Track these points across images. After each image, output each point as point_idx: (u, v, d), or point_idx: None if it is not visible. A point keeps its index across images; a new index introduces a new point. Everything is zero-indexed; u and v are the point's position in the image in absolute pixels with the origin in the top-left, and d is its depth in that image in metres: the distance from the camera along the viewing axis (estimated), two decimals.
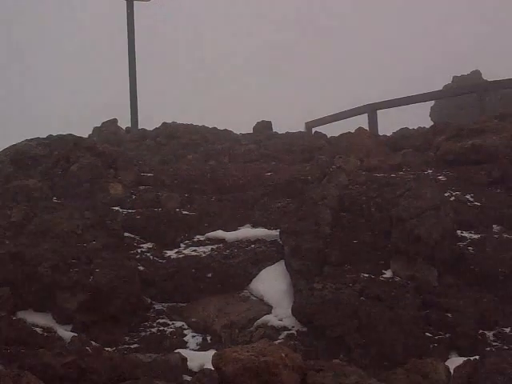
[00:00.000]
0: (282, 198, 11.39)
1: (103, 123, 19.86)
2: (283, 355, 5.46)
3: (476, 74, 27.95)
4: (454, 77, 28.22)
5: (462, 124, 15.51)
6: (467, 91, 23.08)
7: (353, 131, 16.82)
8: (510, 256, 9.07)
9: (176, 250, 9.90)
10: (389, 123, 22.41)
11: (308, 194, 10.54)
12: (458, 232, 9.66)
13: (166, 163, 14.64)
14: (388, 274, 8.91)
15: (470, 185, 11.69)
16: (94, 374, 5.61)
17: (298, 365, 5.48)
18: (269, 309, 8.60)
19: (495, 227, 10.13)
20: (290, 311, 8.33)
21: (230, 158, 15.39)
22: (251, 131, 19.65)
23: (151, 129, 19.07)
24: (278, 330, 8.15)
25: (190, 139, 17.28)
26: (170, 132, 17.99)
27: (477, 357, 6.43)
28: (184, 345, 8.15)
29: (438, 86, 26.49)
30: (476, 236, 9.63)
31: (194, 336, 8.37)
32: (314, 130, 21.55)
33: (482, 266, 8.98)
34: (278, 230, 9.99)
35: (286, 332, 8.12)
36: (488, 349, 7.74)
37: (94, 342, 7.44)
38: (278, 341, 7.78)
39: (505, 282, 8.85)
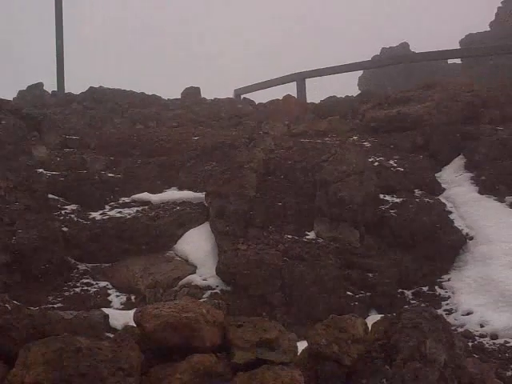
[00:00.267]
0: (209, 162, 11.40)
1: (28, 87, 19.48)
2: (204, 311, 5.49)
3: (404, 45, 28.30)
4: (383, 48, 28.52)
5: (387, 93, 15.76)
6: (395, 62, 23.37)
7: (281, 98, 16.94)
8: (430, 219, 9.31)
9: (101, 212, 9.83)
10: (318, 91, 22.58)
11: (234, 158, 10.59)
12: (381, 196, 9.86)
13: (92, 127, 14.47)
14: (311, 235, 9.06)
15: (394, 151, 11.92)
16: (12, 331, 5.56)
17: (220, 321, 5.52)
18: (193, 269, 8.64)
19: (417, 192, 10.37)
20: (215, 271, 8.39)
21: (157, 122, 15.31)
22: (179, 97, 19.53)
23: (78, 93, 18.77)
24: (202, 289, 8.21)
25: (117, 104, 17.10)
26: (96, 96, 17.76)
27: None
28: (108, 304, 8.14)
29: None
30: (398, 200, 9.84)
31: (118, 296, 8.36)
32: (242, 96, 21.57)
33: (402, 229, 9.20)
34: (204, 193, 10.02)
35: (210, 291, 8.17)
36: (406, 307, 7.94)
37: (15, 302, 7.36)
38: (202, 299, 7.83)
39: (424, 244, 9.09)
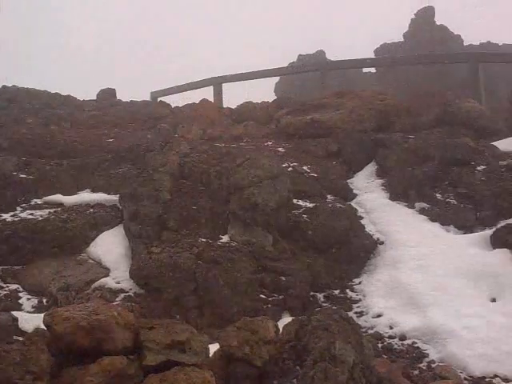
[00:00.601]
0: (123, 164, 11.34)
1: None
2: (116, 314, 5.46)
3: (320, 53, 28.72)
4: (300, 55, 28.86)
5: (303, 99, 15.99)
6: (311, 69, 23.69)
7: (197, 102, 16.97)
8: (342, 224, 9.48)
9: (12, 214, 9.63)
10: (234, 96, 22.69)
11: (149, 161, 10.56)
12: (294, 201, 9.98)
13: (4, 126, 14.16)
14: (225, 239, 9.09)
15: (308, 157, 12.11)
16: None
17: (131, 323, 5.50)
18: (106, 272, 8.57)
19: (329, 197, 10.55)
20: (128, 274, 8.34)
21: (71, 123, 15.10)
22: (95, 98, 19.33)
23: None
24: (115, 292, 8.14)
25: (31, 103, 16.80)
26: (9, 96, 17.39)
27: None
28: (19, 307, 7.97)
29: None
30: (311, 205, 9.98)
31: (29, 299, 8.20)
32: (159, 99, 21.50)
33: (315, 233, 9.33)
34: (118, 195, 9.95)
35: (123, 294, 8.12)
36: (318, 309, 8.07)
37: None
38: (115, 302, 7.77)
39: (336, 248, 9.26)
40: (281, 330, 6.10)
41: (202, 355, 5.27)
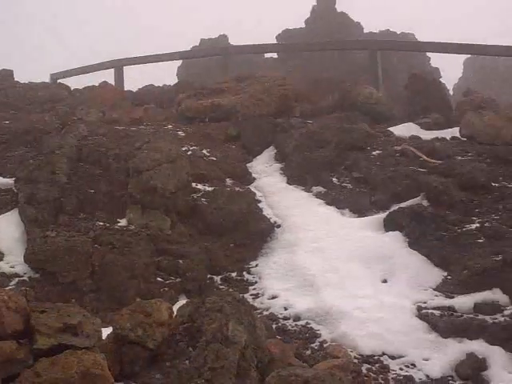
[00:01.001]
0: (20, 147, 11.10)
1: None
2: (6, 298, 5.36)
3: (223, 37, 28.69)
4: (202, 39, 28.76)
5: (203, 83, 16.00)
6: (213, 53, 23.66)
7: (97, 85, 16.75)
8: (240, 207, 9.57)
9: None
10: (136, 79, 22.50)
11: (46, 144, 10.38)
12: (193, 184, 10.01)
13: None
14: (123, 222, 9.05)
15: (208, 141, 12.14)
16: None
17: (22, 307, 5.41)
18: (0, 256, 8.39)
19: (228, 181, 10.63)
20: (23, 259, 8.19)
21: None
22: None
23: None
24: (9, 276, 7.99)
25: None
26: None
27: None
28: None
29: None
30: (209, 188, 10.03)
31: None
32: (59, 81, 21.08)
33: (213, 216, 9.40)
34: (14, 179, 9.75)
35: (17, 279, 7.98)
36: (215, 291, 8.15)
37: None
38: (9, 287, 7.63)
39: (234, 231, 9.34)
40: (175, 312, 6.13)
41: (94, 338, 5.24)
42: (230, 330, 5.44)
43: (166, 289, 8.14)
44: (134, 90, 19.04)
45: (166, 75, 27.26)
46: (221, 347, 5.31)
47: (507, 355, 6.76)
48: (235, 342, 5.42)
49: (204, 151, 11.39)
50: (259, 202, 10.21)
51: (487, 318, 7.20)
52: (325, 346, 6.98)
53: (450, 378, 6.58)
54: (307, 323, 7.46)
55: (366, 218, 9.62)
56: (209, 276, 8.55)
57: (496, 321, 7.12)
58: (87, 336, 5.18)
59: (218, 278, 8.60)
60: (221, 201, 9.62)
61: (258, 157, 11.90)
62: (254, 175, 11.18)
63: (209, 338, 5.41)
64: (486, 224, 8.68)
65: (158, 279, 8.25)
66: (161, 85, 19.65)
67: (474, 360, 6.68)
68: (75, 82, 20.20)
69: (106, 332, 5.76)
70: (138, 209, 9.16)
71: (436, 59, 24.88)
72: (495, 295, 7.44)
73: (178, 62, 27.55)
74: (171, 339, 5.78)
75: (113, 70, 22.26)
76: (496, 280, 7.61)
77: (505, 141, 11.37)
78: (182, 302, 7.62)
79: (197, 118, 13.68)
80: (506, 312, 7.23)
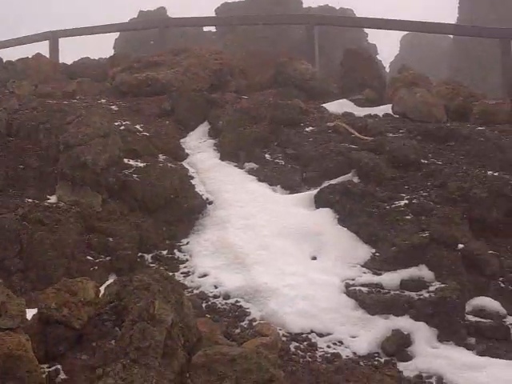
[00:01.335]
0: None
1: None
2: None
3: (161, 10, 28.34)
4: (140, 11, 28.37)
5: (139, 56, 15.80)
6: (151, 26, 23.36)
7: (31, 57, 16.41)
8: (172, 184, 9.50)
9: None
10: (72, 52, 22.08)
11: None
12: (125, 160, 9.88)
13: None
14: (53, 199, 8.92)
15: (141, 116, 12.02)
16: None
17: None
18: None
19: (161, 157, 10.54)
20: None
21: None
22: None
23: None
24: None
25: None
26: None
27: None
28: None
29: None
30: (142, 164, 9.92)
31: None
32: None
33: (145, 193, 9.31)
34: None
35: None
36: (145, 270, 8.11)
37: None
38: None
39: (165, 208, 9.29)
40: (102, 291, 6.09)
41: (18, 319, 5.19)
42: (156, 308, 5.42)
43: (96, 267, 8.06)
44: (69, 62, 18.70)
45: (105, 48, 26.85)
46: (147, 326, 5.28)
47: (431, 331, 6.93)
48: (162, 321, 5.40)
49: (137, 126, 11.26)
50: (192, 178, 10.17)
51: (413, 294, 7.36)
52: (254, 324, 7.03)
53: (376, 355, 6.71)
54: (237, 301, 7.50)
55: (297, 194, 9.68)
56: (139, 254, 8.49)
57: (421, 297, 7.28)
58: (11, 317, 5.13)
59: (148, 257, 8.55)
60: (153, 177, 9.54)
61: (191, 132, 11.83)
62: (187, 151, 11.12)
63: (135, 316, 5.39)
64: (414, 201, 8.83)
65: (88, 258, 8.15)
66: (97, 58, 19.34)
67: (400, 336, 6.83)
68: (8, 55, 19.73)
69: (34, 312, 5.70)
70: (68, 185, 9.03)
71: (374, 36, 25.07)
72: (421, 272, 7.61)
73: (117, 35, 27.16)
74: (98, 319, 5.75)
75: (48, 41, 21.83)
76: (422, 256, 7.78)
77: (436, 118, 11.54)
78: (111, 280, 7.59)
79: (131, 92, 13.52)
80: (431, 288, 7.41)
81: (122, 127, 10.95)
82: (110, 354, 5.31)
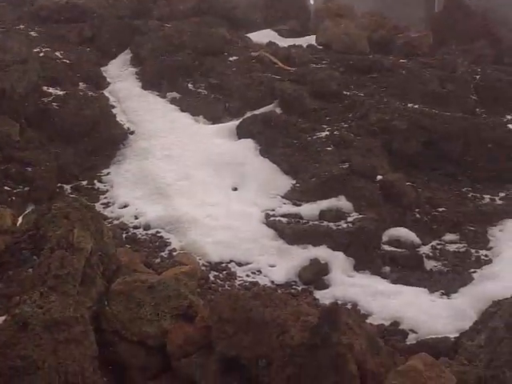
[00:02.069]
0: None
1: None
2: None
3: None
4: None
5: None
6: None
7: None
8: (92, 113, 9.35)
9: None
10: None
11: None
12: (45, 88, 9.66)
13: None
14: None
15: (61, 42, 11.72)
16: None
17: None
18: None
19: (81, 85, 10.34)
20: None
21: None
22: None
23: None
24: None
25: None
26: None
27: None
28: None
29: None
30: (61, 93, 9.71)
31: None
32: None
33: (64, 122, 9.13)
34: None
35: None
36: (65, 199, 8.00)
37: None
38: None
39: (86, 138, 9.14)
40: (20, 219, 6.01)
41: None
42: (75, 236, 5.37)
43: (14, 198, 7.89)
44: None
45: None
46: (66, 254, 5.23)
47: (348, 260, 7.10)
48: (81, 249, 5.35)
49: (57, 53, 10.98)
50: (113, 107, 10.01)
51: (331, 224, 7.48)
52: (174, 254, 7.05)
53: (293, 283, 6.83)
54: (157, 232, 7.49)
55: (219, 125, 9.65)
56: (59, 185, 8.36)
57: (340, 227, 7.42)
58: None
59: (68, 187, 8.43)
60: (72, 106, 9.35)
61: (113, 60, 11.60)
62: (108, 80, 10.92)
63: (53, 244, 5.32)
64: (336, 132, 8.92)
65: (6, 188, 7.96)
66: None
67: (317, 265, 6.96)
68: None
69: None
70: None
71: None
72: (340, 202, 7.73)
73: None
74: (15, 247, 5.67)
75: None
76: (342, 187, 7.90)
77: (359, 50, 11.59)
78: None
79: (51, 17, 13.10)
80: (349, 219, 7.55)
81: (42, 54, 10.67)
82: (27, 282, 5.25)
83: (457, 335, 5.55)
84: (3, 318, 5.12)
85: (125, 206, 8.01)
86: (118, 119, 9.68)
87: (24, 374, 4.78)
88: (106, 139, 9.23)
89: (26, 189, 8.07)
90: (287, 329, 4.60)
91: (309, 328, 4.50)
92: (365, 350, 4.30)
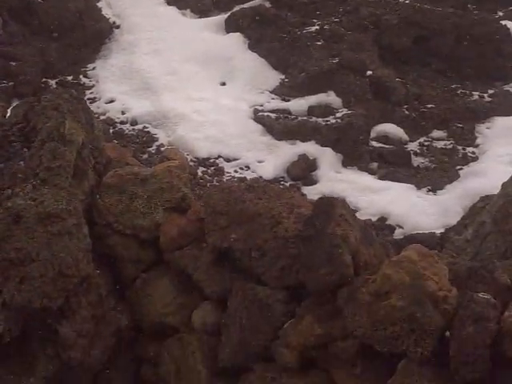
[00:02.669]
0: None
1: None
2: None
3: None
4: None
5: None
6: None
7: None
8: (76, 6, 9.09)
9: None
10: None
11: None
12: None
13: None
14: None
15: None
16: None
17: None
18: None
19: None
20: None
21: None
22: None
23: None
24: None
25: None
26: None
27: None
28: None
29: None
30: None
31: None
32: None
33: (48, 16, 8.88)
34: None
35: None
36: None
37: None
38: None
39: (70, 32, 8.93)
40: (9, 112, 5.91)
41: None
42: (66, 128, 5.29)
43: None
44: None
45: None
46: (57, 146, 5.15)
47: (336, 156, 7.11)
48: (72, 141, 5.27)
49: None
50: (98, 0, 9.75)
51: (320, 120, 7.46)
52: (162, 149, 7.02)
53: (281, 179, 6.86)
54: (145, 127, 7.44)
55: (207, 18, 9.47)
56: (44, 80, 8.23)
57: (328, 123, 7.40)
58: None
59: (53, 82, 8.31)
60: None
61: None
62: None
63: (44, 136, 5.24)
64: (326, 27, 8.77)
65: None
66: None
67: (305, 161, 6.97)
68: None
69: None
70: None
71: None
72: (329, 98, 7.70)
73: None
74: (4, 140, 5.59)
75: None
76: (331, 83, 7.84)
77: None
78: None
79: None
80: (338, 114, 7.53)
81: None
82: (18, 175, 5.22)
83: (443, 231, 5.63)
84: None
85: (111, 101, 7.92)
86: (103, 13, 9.45)
87: (19, 266, 4.82)
88: (92, 33, 9.03)
89: (11, 83, 7.94)
90: (281, 220, 4.62)
91: (303, 219, 4.52)
92: (359, 242, 4.33)
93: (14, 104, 7.47)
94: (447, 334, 3.96)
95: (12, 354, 4.90)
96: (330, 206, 4.41)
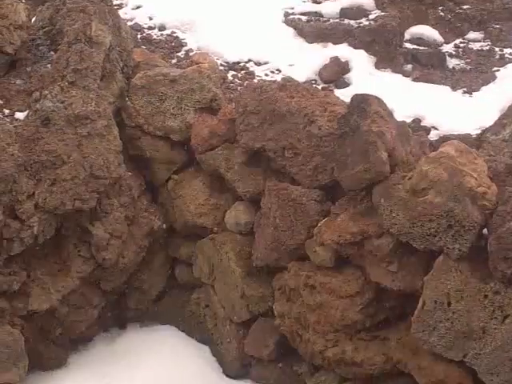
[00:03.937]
0: None
1: None
2: None
3: None
4: None
5: None
6: None
7: None
8: None
9: None
10: None
11: None
12: None
13: None
14: None
15: None
16: None
17: None
18: None
19: None
20: None
21: None
22: None
23: None
24: None
25: None
26: None
27: None
28: None
29: None
30: None
31: None
32: None
33: None
34: None
35: None
36: None
37: None
38: None
39: None
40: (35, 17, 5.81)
41: None
42: (93, 30, 5.19)
43: None
44: None
45: None
46: (84, 48, 5.08)
47: (369, 58, 6.90)
48: (99, 43, 5.20)
49: None
50: None
51: (353, 22, 7.23)
52: (191, 54, 6.86)
53: (313, 82, 6.70)
54: (173, 32, 7.22)
55: None
56: None
57: (361, 25, 7.17)
58: None
59: None
60: None
61: None
62: None
63: (71, 39, 5.16)
64: None
65: None
66: None
67: (338, 63, 6.78)
68: None
69: None
70: None
71: None
72: None
73: None
74: (31, 44, 5.54)
75: None
76: None
77: None
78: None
79: None
80: (370, 16, 7.29)
81: None
82: (46, 78, 5.16)
83: (479, 132, 5.51)
84: (25, 113, 5.09)
85: (138, 7, 7.71)
86: None
87: (49, 168, 4.82)
88: None
89: None
90: (314, 119, 4.55)
91: (337, 117, 4.43)
92: (395, 139, 4.24)
93: (40, 8, 7.40)
94: (485, 231, 3.91)
95: (48, 254, 4.96)
96: (366, 102, 4.32)
